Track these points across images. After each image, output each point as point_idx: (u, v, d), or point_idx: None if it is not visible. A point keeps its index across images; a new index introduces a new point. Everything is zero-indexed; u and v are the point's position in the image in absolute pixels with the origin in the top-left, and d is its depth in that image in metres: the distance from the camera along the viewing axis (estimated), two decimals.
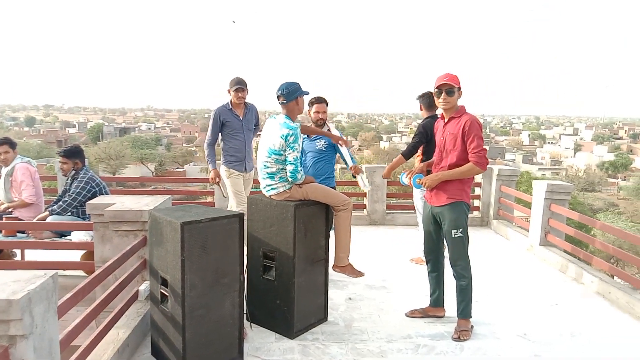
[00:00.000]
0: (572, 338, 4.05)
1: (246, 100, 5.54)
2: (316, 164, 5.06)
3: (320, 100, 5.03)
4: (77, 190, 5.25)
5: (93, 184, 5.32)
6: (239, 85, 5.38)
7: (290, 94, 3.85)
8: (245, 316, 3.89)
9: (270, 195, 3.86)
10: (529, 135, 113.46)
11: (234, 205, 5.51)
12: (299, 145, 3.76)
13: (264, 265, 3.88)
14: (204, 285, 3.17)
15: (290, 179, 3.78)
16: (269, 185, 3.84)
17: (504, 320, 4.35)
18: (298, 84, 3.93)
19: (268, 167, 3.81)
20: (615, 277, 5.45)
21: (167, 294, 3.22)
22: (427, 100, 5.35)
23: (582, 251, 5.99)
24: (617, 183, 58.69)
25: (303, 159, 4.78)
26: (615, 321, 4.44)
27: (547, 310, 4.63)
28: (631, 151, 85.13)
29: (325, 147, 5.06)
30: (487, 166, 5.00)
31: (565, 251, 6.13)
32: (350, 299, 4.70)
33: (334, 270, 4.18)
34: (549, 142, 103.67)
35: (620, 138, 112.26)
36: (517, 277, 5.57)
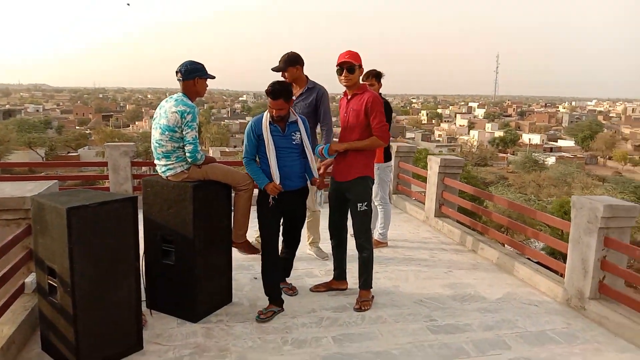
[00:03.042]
0: (464, 301, 4.34)
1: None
2: (299, 162, 4.00)
3: (275, 96, 3.77)
4: None
5: None
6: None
7: (189, 73, 3.69)
8: (145, 303, 3.77)
9: (167, 177, 3.71)
10: (427, 114, 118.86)
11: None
12: (197, 124, 3.64)
13: (162, 249, 3.74)
14: (95, 273, 3.01)
15: (189, 160, 3.65)
16: (165, 166, 3.69)
17: (403, 288, 4.57)
18: (202, 65, 3.76)
19: (162, 146, 3.64)
20: (506, 245, 5.88)
21: (56, 285, 3.03)
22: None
23: (474, 221, 6.40)
24: (507, 157, 63.29)
25: (276, 158, 3.87)
26: (502, 283, 4.81)
27: (442, 276, 4.92)
28: (519, 128, 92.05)
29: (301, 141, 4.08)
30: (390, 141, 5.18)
31: (458, 221, 6.52)
32: (255, 278, 4.68)
33: (232, 246, 4.14)
34: (445, 121, 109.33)
35: (509, 115, 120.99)
36: (415, 247, 5.85)
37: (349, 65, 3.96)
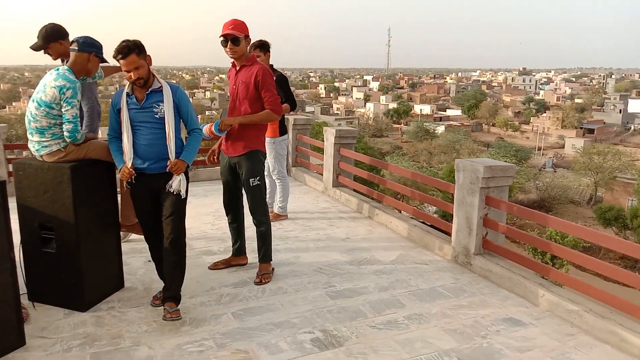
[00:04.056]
0: (361, 265, 4.48)
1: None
2: (163, 141, 3.38)
3: (125, 53, 3.19)
4: None
5: None
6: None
7: (87, 45, 3.41)
8: (27, 296, 3.49)
9: (41, 156, 3.39)
10: (325, 87, 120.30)
11: None
12: (77, 101, 3.34)
13: (42, 237, 3.45)
14: None
15: (68, 140, 3.36)
16: (39, 143, 3.35)
17: (303, 258, 4.62)
18: (101, 45, 3.52)
19: (37, 121, 3.31)
20: (402, 211, 6.13)
21: None
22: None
23: (371, 189, 6.59)
24: (401, 128, 66.03)
25: (134, 134, 3.38)
26: (396, 246, 5.02)
27: (340, 244, 5.04)
28: (410, 99, 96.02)
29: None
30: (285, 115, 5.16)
31: (355, 190, 6.69)
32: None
33: (121, 230, 3.92)
34: (342, 94, 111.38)
35: (402, 88, 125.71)
36: (315, 218, 5.93)
37: (232, 37, 3.82)
